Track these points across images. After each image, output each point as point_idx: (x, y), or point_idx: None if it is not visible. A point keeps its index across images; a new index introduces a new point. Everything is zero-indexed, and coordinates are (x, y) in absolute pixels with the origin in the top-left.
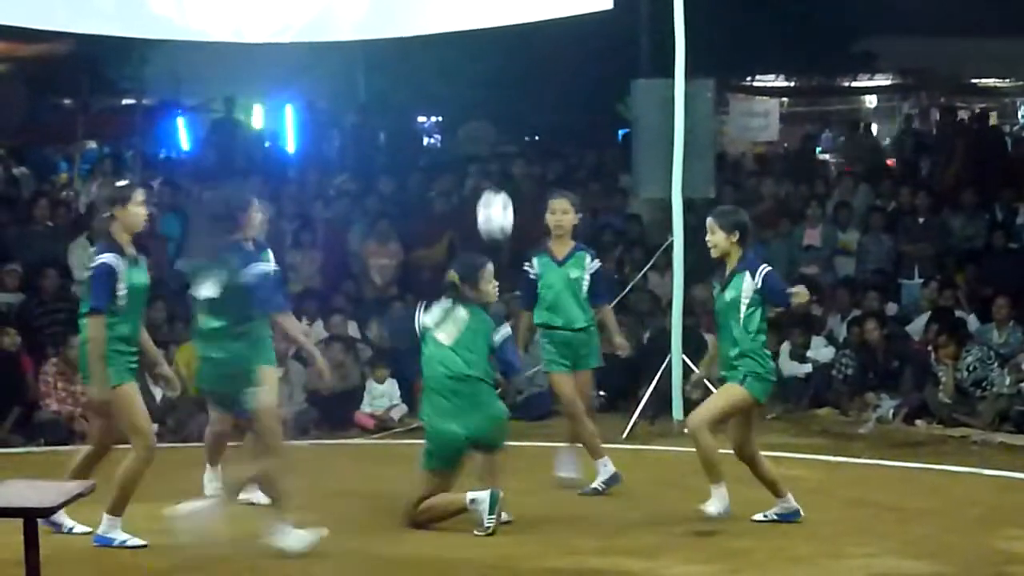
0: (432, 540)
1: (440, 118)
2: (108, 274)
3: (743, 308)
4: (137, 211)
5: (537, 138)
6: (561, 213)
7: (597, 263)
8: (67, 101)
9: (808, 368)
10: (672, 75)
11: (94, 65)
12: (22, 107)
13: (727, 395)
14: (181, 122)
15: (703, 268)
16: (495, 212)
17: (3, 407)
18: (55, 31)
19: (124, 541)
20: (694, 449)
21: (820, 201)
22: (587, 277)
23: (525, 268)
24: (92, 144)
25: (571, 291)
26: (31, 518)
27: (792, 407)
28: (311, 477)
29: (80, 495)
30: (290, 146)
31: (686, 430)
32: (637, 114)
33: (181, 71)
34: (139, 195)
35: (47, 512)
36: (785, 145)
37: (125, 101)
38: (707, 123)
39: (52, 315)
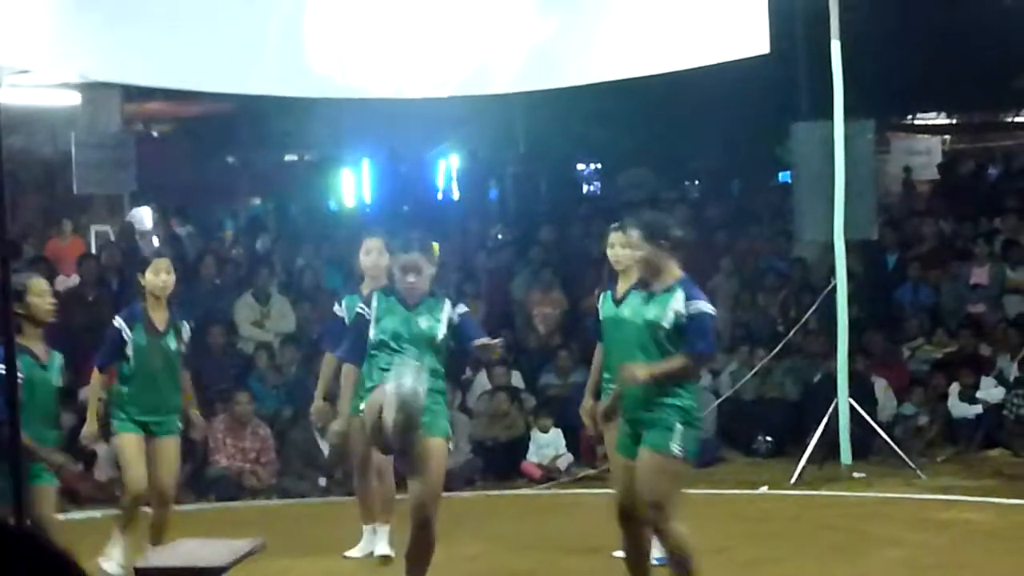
0: None
1: (599, 165)
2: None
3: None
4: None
5: (697, 182)
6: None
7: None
8: (230, 159)
9: (978, 409)
10: (831, 117)
11: (256, 122)
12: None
13: None
14: (344, 176)
15: (867, 310)
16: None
17: None
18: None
19: None
20: (865, 493)
21: (987, 239)
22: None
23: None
24: (256, 200)
25: None
26: None
27: (963, 449)
28: (482, 527)
29: (251, 552)
30: (453, 195)
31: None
32: (797, 157)
33: (343, 126)
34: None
35: (219, 571)
36: (949, 183)
37: (288, 157)
38: (868, 164)
39: (220, 372)
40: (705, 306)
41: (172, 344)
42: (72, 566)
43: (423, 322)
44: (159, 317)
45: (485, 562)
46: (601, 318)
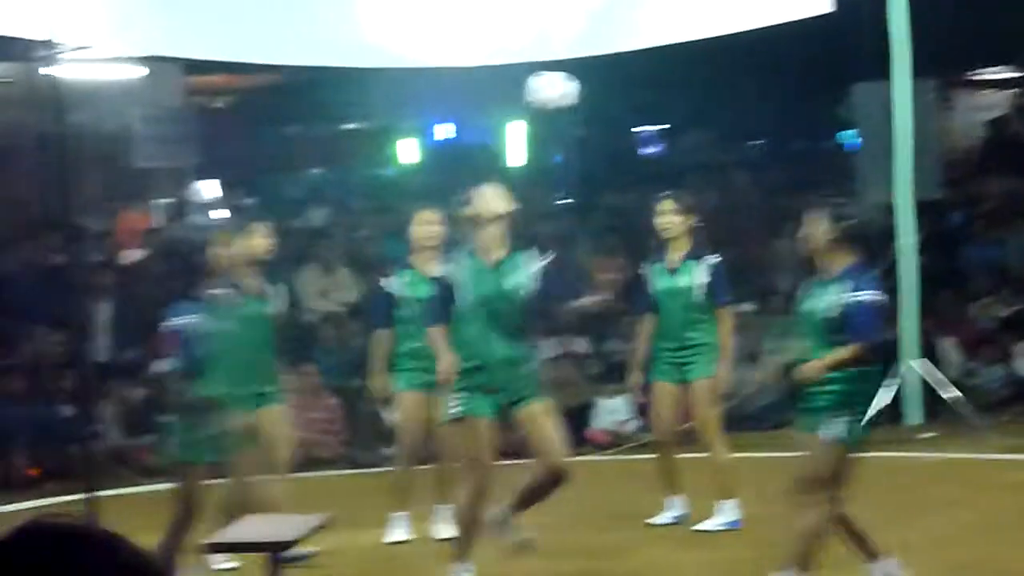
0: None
1: (660, 127)
2: None
3: None
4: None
5: (759, 143)
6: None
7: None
8: (291, 129)
9: None
10: (893, 76)
11: (317, 92)
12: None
13: None
14: (403, 144)
15: (933, 269)
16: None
17: None
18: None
19: None
20: (932, 454)
21: None
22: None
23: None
24: (317, 170)
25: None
26: (272, 552)
27: None
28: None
29: (319, 527)
30: (513, 162)
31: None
32: (859, 118)
33: (403, 94)
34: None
35: (288, 545)
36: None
37: (348, 126)
38: (930, 124)
39: (284, 343)
40: (866, 294)
41: (270, 309)
42: (152, 570)
43: (510, 280)
44: (254, 284)
45: (553, 531)
46: (655, 289)
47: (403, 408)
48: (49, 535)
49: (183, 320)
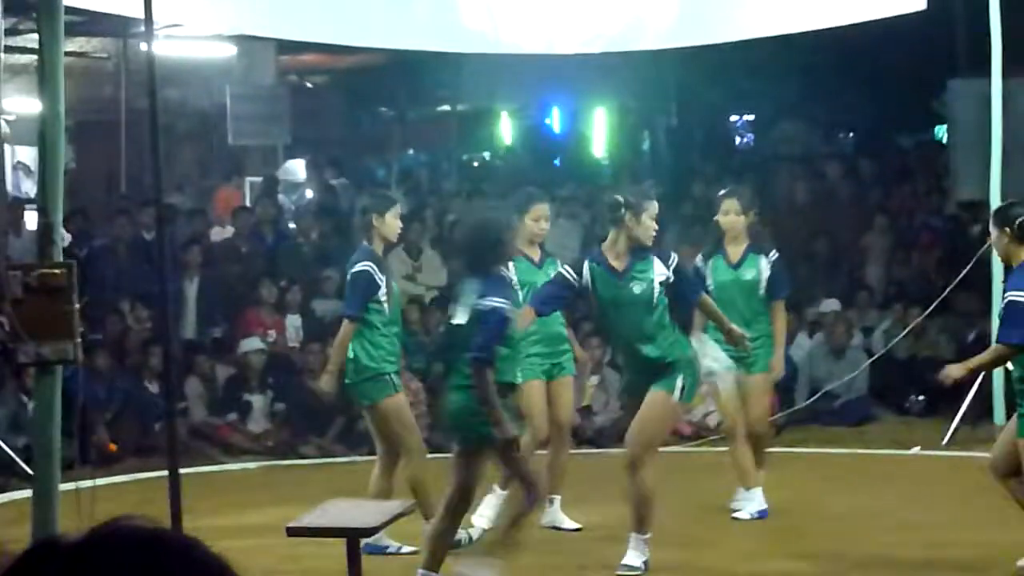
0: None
1: (752, 118)
2: (368, 281)
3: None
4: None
5: (852, 135)
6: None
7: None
8: (384, 110)
9: None
10: (989, 73)
11: (410, 74)
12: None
13: None
14: (495, 129)
15: None
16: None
17: (326, 418)
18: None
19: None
20: None
21: None
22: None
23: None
24: (409, 152)
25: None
26: (353, 538)
27: None
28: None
29: (401, 514)
30: (599, 150)
31: None
32: (954, 114)
33: (495, 79)
34: (397, 207)
35: (369, 532)
36: None
37: (440, 108)
38: None
39: None
40: (1011, 293)
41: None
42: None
43: (636, 288)
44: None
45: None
46: (717, 281)
47: (525, 397)
48: (126, 539)
49: (491, 301)
